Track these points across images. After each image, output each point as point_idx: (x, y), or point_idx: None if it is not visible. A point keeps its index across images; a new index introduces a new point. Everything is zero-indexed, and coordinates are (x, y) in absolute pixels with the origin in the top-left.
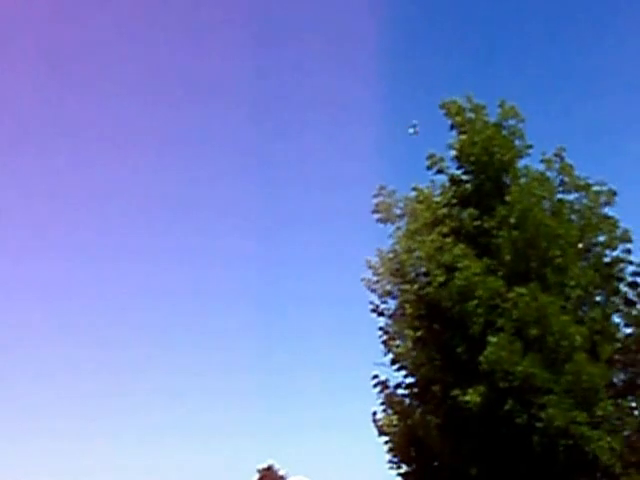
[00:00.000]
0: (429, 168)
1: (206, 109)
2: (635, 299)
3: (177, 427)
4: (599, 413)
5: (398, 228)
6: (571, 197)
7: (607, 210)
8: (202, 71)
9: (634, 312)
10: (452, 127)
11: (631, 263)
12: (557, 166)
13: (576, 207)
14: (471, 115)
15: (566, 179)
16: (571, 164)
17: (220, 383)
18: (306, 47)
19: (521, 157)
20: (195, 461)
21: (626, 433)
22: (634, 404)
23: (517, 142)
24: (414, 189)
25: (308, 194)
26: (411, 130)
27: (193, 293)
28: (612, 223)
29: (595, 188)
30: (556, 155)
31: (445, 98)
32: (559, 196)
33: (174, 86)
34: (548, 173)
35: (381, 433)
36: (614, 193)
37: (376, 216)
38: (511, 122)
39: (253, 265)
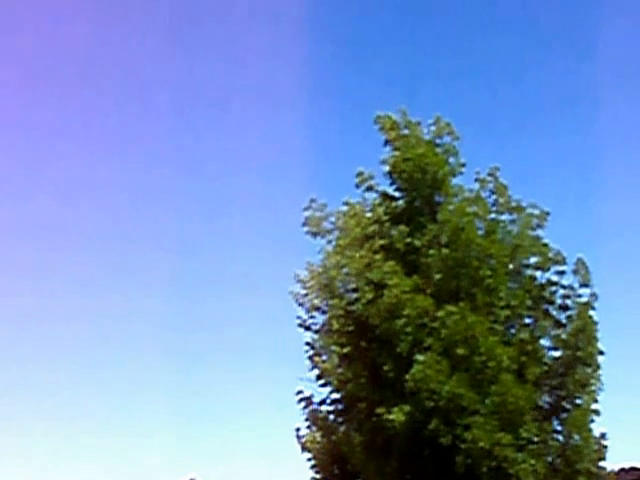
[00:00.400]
0: (358, 186)
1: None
2: (564, 322)
3: (91, 443)
4: (524, 435)
5: (328, 242)
6: (504, 218)
7: (539, 232)
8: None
9: (563, 335)
10: (386, 142)
11: (563, 287)
12: (491, 186)
13: (508, 228)
14: (405, 131)
15: (499, 199)
16: (505, 184)
17: (141, 396)
18: (233, 65)
19: (455, 175)
20: (112, 476)
21: (550, 456)
22: (559, 427)
23: (451, 160)
24: (345, 204)
25: (236, 206)
26: None
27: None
28: (544, 245)
29: (528, 210)
30: (490, 175)
31: (380, 112)
32: (492, 216)
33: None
34: (482, 193)
35: (304, 450)
36: (547, 214)
37: (306, 229)
38: (446, 139)
39: (176, 278)
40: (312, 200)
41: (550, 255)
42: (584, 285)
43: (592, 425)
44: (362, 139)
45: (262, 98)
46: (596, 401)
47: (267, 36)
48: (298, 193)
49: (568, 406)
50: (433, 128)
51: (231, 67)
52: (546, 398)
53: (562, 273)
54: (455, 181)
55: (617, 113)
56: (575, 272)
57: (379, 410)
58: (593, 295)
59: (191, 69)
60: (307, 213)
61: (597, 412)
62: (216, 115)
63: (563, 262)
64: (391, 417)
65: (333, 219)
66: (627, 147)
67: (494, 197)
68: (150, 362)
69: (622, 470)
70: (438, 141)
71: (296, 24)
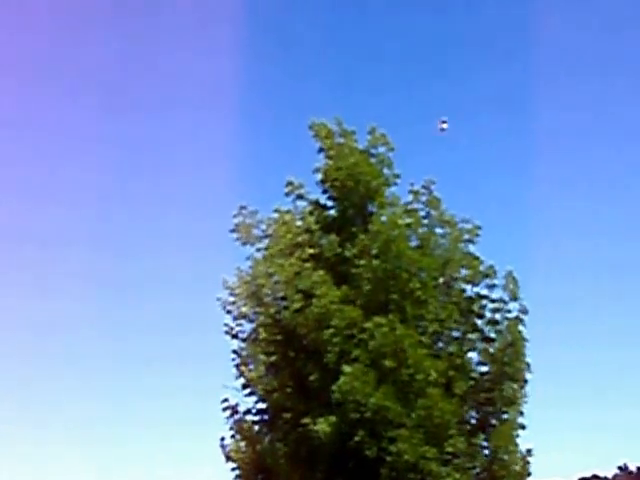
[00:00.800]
0: (287, 195)
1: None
2: (493, 336)
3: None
4: (449, 449)
5: (258, 250)
6: (436, 231)
7: (471, 247)
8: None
9: (491, 350)
10: (320, 150)
11: (493, 301)
12: (425, 198)
13: (440, 241)
14: (340, 139)
15: (433, 212)
16: (438, 198)
17: (60, 399)
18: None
19: (388, 186)
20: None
21: (475, 471)
22: (485, 442)
23: (385, 170)
24: (276, 211)
25: (164, 211)
26: (441, 127)
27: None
28: (475, 259)
29: (460, 224)
30: (425, 187)
31: (315, 120)
32: (424, 229)
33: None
34: (415, 205)
35: (229, 459)
36: (478, 228)
37: (235, 236)
38: (380, 150)
39: (101, 283)
40: (242, 207)
41: (481, 269)
42: (514, 299)
43: (518, 440)
44: (297, 146)
45: (192, 100)
46: (522, 416)
47: (200, 39)
48: (228, 199)
49: (495, 421)
50: (368, 138)
51: (163, 69)
52: (473, 413)
53: (492, 287)
54: (389, 192)
55: (551, 122)
56: (505, 286)
57: (305, 421)
58: (522, 310)
59: (123, 72)
60: (237, 220)
61: (523, 427)
62: (145, 118)
63: (494, 276)
64: (317, 428)
65: (263, 226)
66: (560, 160)
67: (427, 210)
68: (71, 366)
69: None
70: (373, 151)
71: (231, 27)
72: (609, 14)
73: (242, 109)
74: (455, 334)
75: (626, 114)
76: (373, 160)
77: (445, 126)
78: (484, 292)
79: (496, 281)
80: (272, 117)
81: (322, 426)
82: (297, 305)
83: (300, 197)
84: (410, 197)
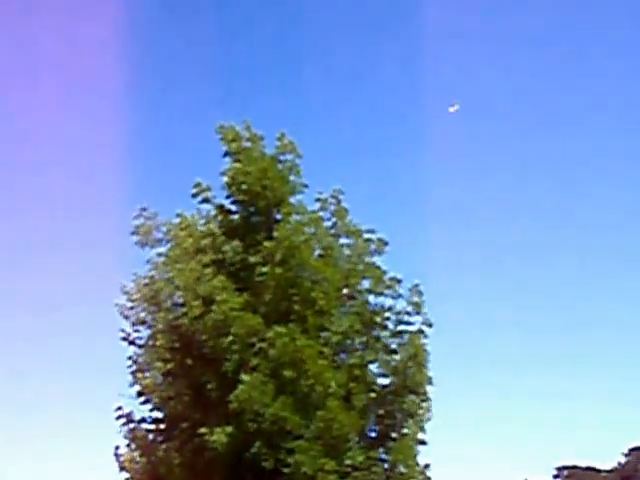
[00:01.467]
0: (194, 196)
1: None
2: (396, 348)
3: None
4: (348, 462)
5: (158, 254)
6: (341, 241)
7: (376, 258)
8: None
9: (393, 362)
10: (226, 154)
11: (397, 313)
12: (332, 208)
13: (345, 252)
14: (248, 144)
15: (339, 222)
16: (346, 208)
17: None
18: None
19: (295, 194)
20: None
21: None
22: (385, 456)
23: (292, 178)
24: (179, 215)
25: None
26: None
27: None
28: (379, 270)
29: (366, 235)
30: (333, 197)
31: (223, 122)
32: (329, 238)
33: None
34: (322, 214)
35: (123, 469)
36: (385, 243)
37: (135, 239)
38: (288, 157)
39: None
40: (142, 209)
41: (385, 280)
42: (417, 312)
43: (418, 454)
44: (204, 148)
45: (93, 98)
46: (423, 430)
47: (98, 36)
48: (128, 200)
49: (395, 435)
50: (277, 144)
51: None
52: (373, 425)
53: (396, 298)
54: (295, 200)
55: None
56: (410, 298)
57: (201, 431)
58: (426, 322)
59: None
60: (136, 222)
61: (423, 442)
62: (41, 117)
63: (398, 288)
64: (213, 438)
65: (164, 229)
66: (464, 175)
67: (334, 219)
68: None
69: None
70: (281, 157)
71: (134, 22)
72: None
73: (147, 107)
74: (357, 345)
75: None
76: (281, 167)
77: (454, 109)
78: (388, 303)
79: (401, 292)
80: (179, 117)
81: (219, 436)
82: (196, 311)
83: (206, 200)
84: (317, 205)
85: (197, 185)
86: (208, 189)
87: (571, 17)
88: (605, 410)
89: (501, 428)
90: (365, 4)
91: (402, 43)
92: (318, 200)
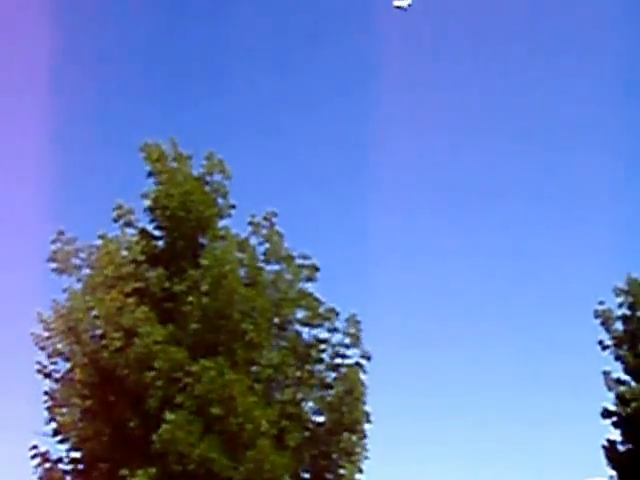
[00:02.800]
0: (115, 220)
1: None
2: (332, 383)
3: None
4: None
5: (77, 281)
6: (272, 267)
7: (309, 285)
8: None
9: (328, 398)
10: (150, 174)
11: (333, 345)
12: (265, 232)
13: (277, 279)
14: (173, 164)
15: (271, 247)
16: (280, 232)
17: None
18: None
19: (222, 217)
20: None
21: None
22: None
23: (220, 200)
24: (100, 238)
25: None
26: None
27: None
28: (313, 299)
29: (299, 260)
30: (265, 219)
31: (147, 141)
32: (260, 265)
33: None
34: (253, 238)
35: None
36: (317, 269)
37: (52, 265)
38: (216, 177)
39: None
40: (60, 232)
41: (320, 311)
42: (354, 344)
43: None
44: (126, 168)
45: (5, 113)
46: (361, 471)
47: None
48: (45, 224)
49: (330, 476)
50: (204, 164)
51: None
52: (307, 466)
53: (333, 331)
54: (223, 224)
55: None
56: (346, 330)
57: (122, 472)
58: (364, 355)
59: None
60: (54, 247)
61: None
62: None
63: (334, 319)
64: None
65: (84, 255)
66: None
67: (267, 244)
68: None
69: None
70: (208, 178)
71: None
72: None
73: (67, 122)
74: (290, 380)
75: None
76: (208, 188)
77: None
78: (323, 335)
79: (336, 325)
80: (103, 135)
81: (141, 478)
82: (117, 344)
83: (129, 224)
84: (249, 229)
85: (118, 207)
86: (131, 212)
87: None
88: (557, 444)
89: (444, 465)
90: (297, 20)
91: (340, 58)
92: (251, 223)
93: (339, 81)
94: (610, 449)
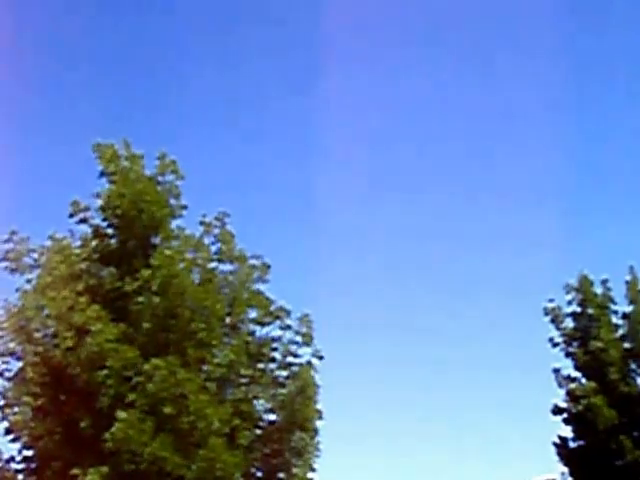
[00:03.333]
0: (71, 216)
1: None
2: (284, 382)
3: None
4: None
5: (28, 280)
6: (225, 267)
7: (261, 285)
8: None
9: (281, 397)
10: (102, 174)
11: (285, 344)
12: (217, 232)
13: (229, 279)
14: (126, 163)
15: (223, 247)
16: (232, 232)
17: None
18: None
19: (174, 217)
20: None
21: None
22: None
23: (172, 201)
24: (51, 238)
25: None
26: None
27: None
28: (265, 298)
29: (251, 260)
30: (217, 220)
31: (100, 140)
32: (211, 265)
33: None
34: (205, 239)
35: None
36: (268, 267)
37: (4, 264)
38: (169, 177)
39: None
40: (13, 232)
41: (272, 309)
42: (307, 343)
43: None
44: (80, 168)
45: None
46: (313, 470)
47: None
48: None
49: (283, 474)
50: (157, 164)
51: None
52: (259, 465)
53: (284, 329)
54: (175, 224)
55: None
56: (299, 329)
57: (74, 471)
58: (316, 354)
59: None
60: (6, 246)
61: None
62: None
63: (286, 318)
64: (87, 479)
65: (36, 255)
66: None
67: (218, 244)
68: None
69: None
70: (160, 179)
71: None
72: None
73: (20, 120)
74: (242, 379)
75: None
76: (160, 188)
77: None
78: (275, 334)
79: (288, 323)
80: (57, 134)
81: (93, 477)
82: (69, 343)
83: (84, 221)
84: (201, 229)
85: (74, 204)
86: (86, 209)
87: None
88: (508, 441)
89: (396, 464)
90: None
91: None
92: (202, 223)
93: (288, 80)
94: (561, 446)
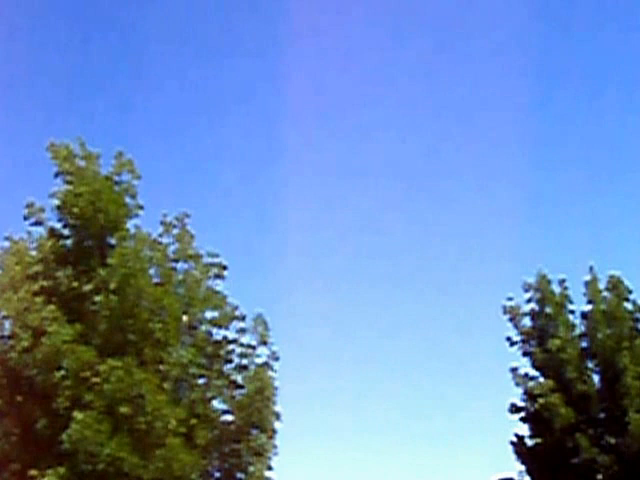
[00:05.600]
0: (26, 218)
1: None
2: (241, 382)
3: None
4: None
5: None
6: (182, 266)
7: (218, 283)
8: None
9: (238, 397)
10: (58, 174)
11: (242, 345)
12: (176, 232)
13: (186, 278)
14: (82, 163)
15: (181, 247)
16: (192, 233)
17: None
18: None
19: (130, 217)
20: None
21: None
22: None
23: (129, 200)
24: (7, 239)
25: None
26: None
27: None
28: (222, 298)
29: (207, 259)
30: (177, 220)
31: (54, 140)
32: (169, 264)
33: None
34: (165, 238)
35: None
36: (224, 267)
37: None
38: (125, 177)
39: None
40: None
41: (228, 310)
42: (263, 343)
43: None
44: (35, 168)
45: None
46: (270, 469)
47: None
48: None
49: (240, 474)
50: (113, 163)
51: None
52: (217, 465)
53: (241, 331)
54: (132, 224)
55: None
56: (254, 330)
57: (32, 473)
58: (273, 355)
59: None
60: None
61: None
62: None
63: (242, 319)
64: None
65: None
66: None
67: (178, 244)
68: None
69: None
70: (117, 178)
71: None
72: None
73: None
74: (199, 380)
75: None
76: (117, 188)
77: None
78: (232, 335)
79: (244, 324)
80: (10, 133)
81: (50, 478)
82: (25, 344)
83: (39, 223)
84: (161, 229)
85: (30, 205)
86: (41, 210)
87: None
88: (466, 440)
89: (355, 463)
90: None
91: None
92: (162, 223)
93: (245, 81)
94: (518, 444)
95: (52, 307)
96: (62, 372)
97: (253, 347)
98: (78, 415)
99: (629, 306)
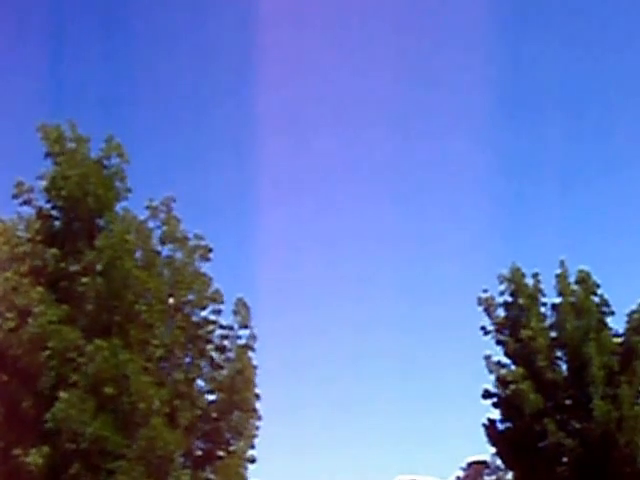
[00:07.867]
0: (15, 197)
1: None
2: (222, 364)
3: None
4: None
5: None
6: (167, 249)
7: (203, 265)
8: None
9: (219, 378)
10: (47, 155)
11: (222, 327)
12: (163, 216)
13: (172, 261)
14: (72, 145)
15: (167, 230)
16: (178, 217)
17: None
18: None
19: (119, 200)
20: None
21: None
22: (212, 475)
23: (117, 184)
24: None
25: None
26: None
27: None
28: (205, 281)
29: (193, 241)
30: (164, 204)
31: (45, 122)
32: (155, 248)
33: None
34: (151, 222)
35: None
36: (210, 249)
37: None
38: (114, 161)
39: None
40: None
41: (208, 293)
42: (244, 326)
43: (247, 472)
44: (25, 148)
45: None
46: (252, 448)
47: None
48: None
49: (222, 453)
50: (103, 147)
51: None
52: (199, 444)
53: (220, 312)
54: (120, 207)
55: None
56: (235, 312)
57: (16, 451)
58: (252, 337)
59: None
60: None
61: (253, 460)
62: None
63: (221, 301)
64: (28, 459)
65: None
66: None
67: (164, 228)
68: None
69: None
70: (106, 162)
71: None
72: None
73: None
74: (182, 360)
75: None
76: (106, 171)
77: None
78: (213, 317)
79: (223, 306)
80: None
81: (34, 457)
82: (11, 324)
83: (28, 202)
84: (147, 213)
85: (19, 185)
86: (30, 190)
87: None
88: (441, 424)
89: (335, 445)
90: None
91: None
92: (148, 207)
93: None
94: (490, 428)
95: (39, 288)
96: (48, 352)
97: (231, 328)
98: (63, 395)
99: (596, 299)
